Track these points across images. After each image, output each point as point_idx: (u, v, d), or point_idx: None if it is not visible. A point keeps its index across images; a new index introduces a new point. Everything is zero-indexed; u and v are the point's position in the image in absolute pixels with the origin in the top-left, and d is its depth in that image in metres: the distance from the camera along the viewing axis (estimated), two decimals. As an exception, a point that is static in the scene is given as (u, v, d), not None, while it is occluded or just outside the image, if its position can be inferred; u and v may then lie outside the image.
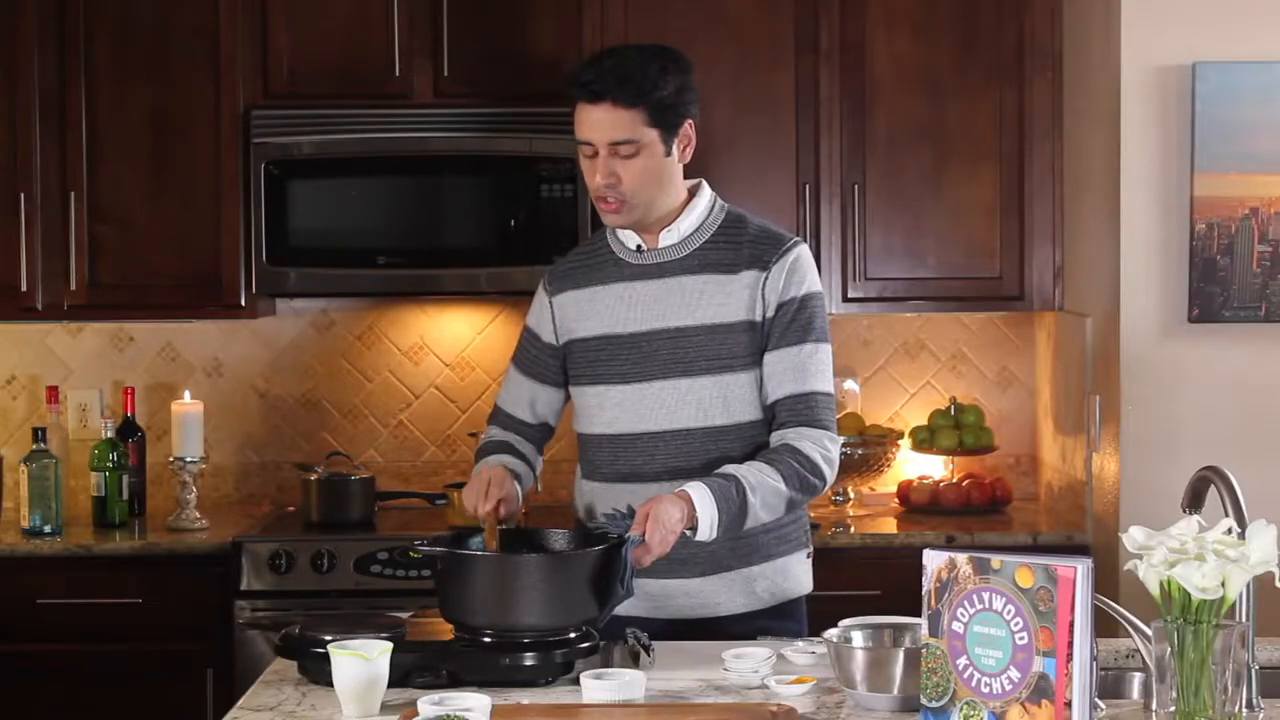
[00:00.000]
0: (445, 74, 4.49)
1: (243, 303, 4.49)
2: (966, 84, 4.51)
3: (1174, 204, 3.99)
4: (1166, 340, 4.02)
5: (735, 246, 3.09)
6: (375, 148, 4.42)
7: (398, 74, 4.49)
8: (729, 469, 2.94)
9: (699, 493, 2.87)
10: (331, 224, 4.45)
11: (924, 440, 4.76)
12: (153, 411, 4.81)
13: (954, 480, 4.67)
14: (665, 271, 3.10)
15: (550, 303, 3.20)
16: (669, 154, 3.06)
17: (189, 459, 4.46)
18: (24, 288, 4.46)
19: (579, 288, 3.16)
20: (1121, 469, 4.04)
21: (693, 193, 3.14)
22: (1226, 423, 4.00)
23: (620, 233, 3.14)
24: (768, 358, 3.05)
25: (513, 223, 4.42)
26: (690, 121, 3.08)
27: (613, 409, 3.11)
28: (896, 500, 4.73)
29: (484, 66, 4.50)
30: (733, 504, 2.89)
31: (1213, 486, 2.54)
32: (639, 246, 3.12)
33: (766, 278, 3.05)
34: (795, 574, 3.15)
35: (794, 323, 3.05)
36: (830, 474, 3.04)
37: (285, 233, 4.42)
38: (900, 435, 4.73)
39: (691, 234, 3.10)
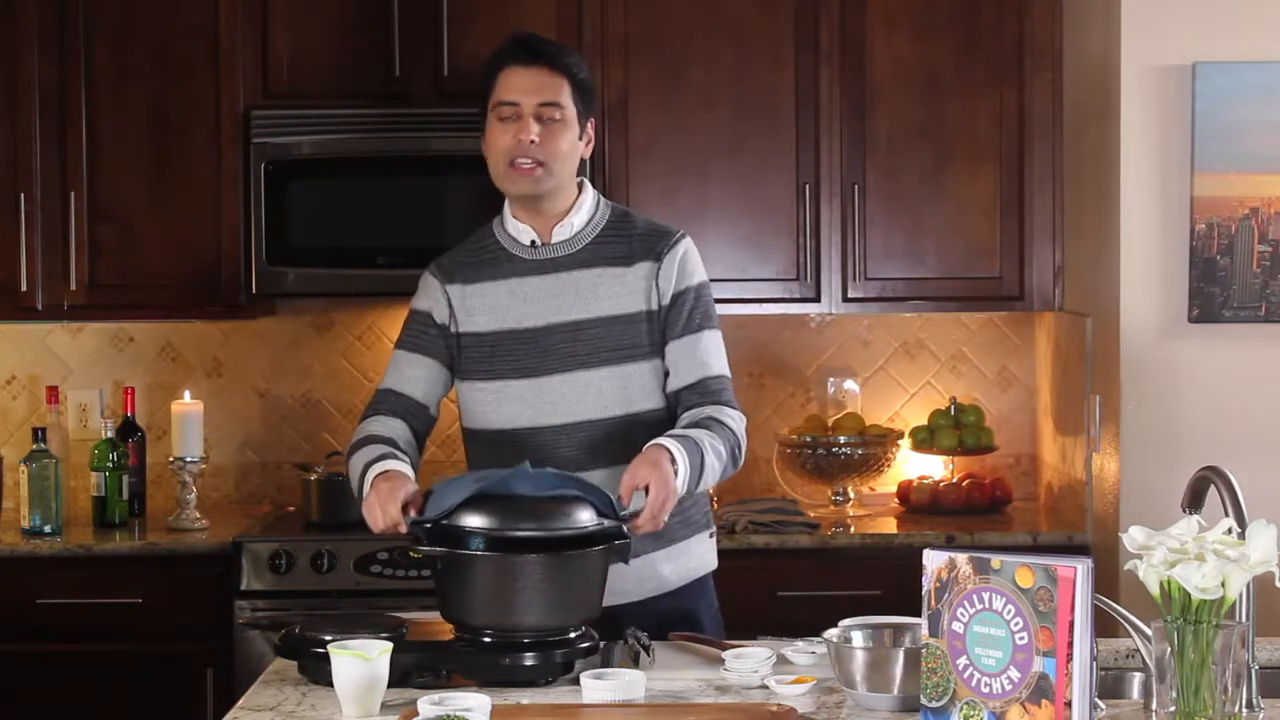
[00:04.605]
0: (445, 74, 4.48)
1: (243, 303, 4.49)
2: (966, 84, 4.51)
3: (1174, 204, 3.99)
4: (1166, 340, 4.02)
5: (626, 240, 3.14)
6: (375, 148, 4.42)
7: (397, 74, 4.49)
8: (686, 430, 2.97)
9: (675, 446, 2.87)
10: (331, 224, 4.45)
11: (924, 440, 4.76)
12: (153, 411, 4.81)
13: (954, 480, 4.67)
14: (560, 266, 3.12)
15: (445, 289, 3.16)
16: (580, 138, 3.12)
17: (189, 459, 4.46)
18: (24, 288, 4.46)
19: (468, 283, 3.15)
20: (1121, 469, 4.03)
21: (579, 190, 3.18)
22: (1226, 423, 4.00)
23: (513, 228, 3.15)
24: (671, 345, 3.10)
25: (513, 223, 4.41)
26: (592, 120, 3.16)
27: (512, 404, 3.11)
28: (896, 500, 4.73)
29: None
30: (696, 462, 2.92)
31: (1213, 486, 2.54)
32: (533, 241, 3.14)
33: (660, 269, 3.11)
34: (699, 553, 3.18)
35: (694, 311, 3.11)
36: (743, 454, 3.08)
37: (285, 233, 4.42)
38: (900, 435, 4.73)
39: (582, 229, 3.14)
